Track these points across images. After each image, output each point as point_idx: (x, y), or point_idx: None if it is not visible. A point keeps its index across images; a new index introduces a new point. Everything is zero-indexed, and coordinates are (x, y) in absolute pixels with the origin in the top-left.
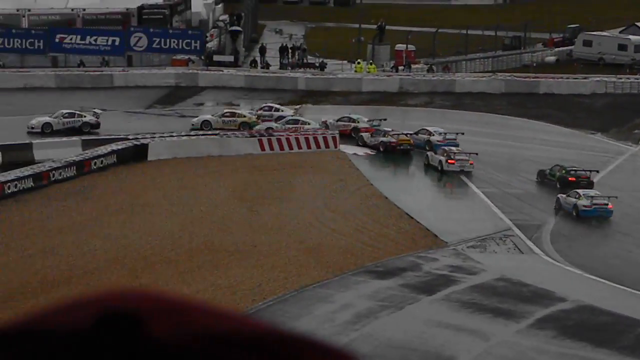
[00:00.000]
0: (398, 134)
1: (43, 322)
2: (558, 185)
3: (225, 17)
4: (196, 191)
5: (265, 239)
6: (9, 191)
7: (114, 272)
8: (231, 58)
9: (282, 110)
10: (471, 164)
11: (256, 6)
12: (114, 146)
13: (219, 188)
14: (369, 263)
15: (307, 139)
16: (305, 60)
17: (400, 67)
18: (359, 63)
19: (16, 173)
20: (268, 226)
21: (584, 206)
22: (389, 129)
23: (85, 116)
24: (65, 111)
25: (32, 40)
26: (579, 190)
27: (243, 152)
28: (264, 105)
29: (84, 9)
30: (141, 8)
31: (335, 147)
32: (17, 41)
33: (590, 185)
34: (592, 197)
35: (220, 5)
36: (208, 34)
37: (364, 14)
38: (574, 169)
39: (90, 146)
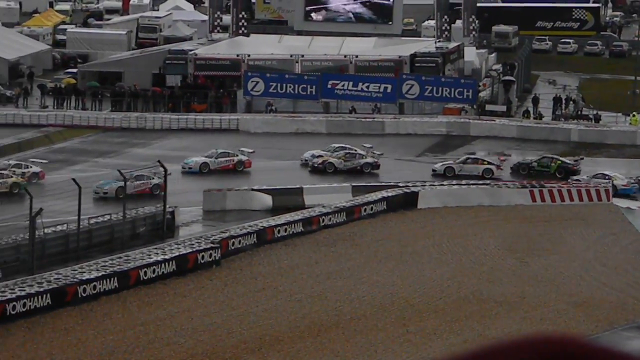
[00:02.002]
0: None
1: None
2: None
3: (499, 66)
4: (466, 240)
5: (533, 291)
6: (279, 235)
7: (381, 319)
8: (504, 108)
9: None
10: None
11: (529, 56)
12: (384, 193)
13: (489, 238)
14: None
15: (579, 191)
16: (580, 112)
17: None
18: (634, 115)
19: (286, 217)
20: (537, 278)
21: None
22: None
23: (365, 157)
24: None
25: (305, 85)
26: None
27: (514, 202)
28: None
29: (357, 56)
30: (414, 56)
31: (608, 200)
32: (290, 86)
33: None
34: None
35: (493, 55)
36: (480, 83)
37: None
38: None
39: (361, 193)
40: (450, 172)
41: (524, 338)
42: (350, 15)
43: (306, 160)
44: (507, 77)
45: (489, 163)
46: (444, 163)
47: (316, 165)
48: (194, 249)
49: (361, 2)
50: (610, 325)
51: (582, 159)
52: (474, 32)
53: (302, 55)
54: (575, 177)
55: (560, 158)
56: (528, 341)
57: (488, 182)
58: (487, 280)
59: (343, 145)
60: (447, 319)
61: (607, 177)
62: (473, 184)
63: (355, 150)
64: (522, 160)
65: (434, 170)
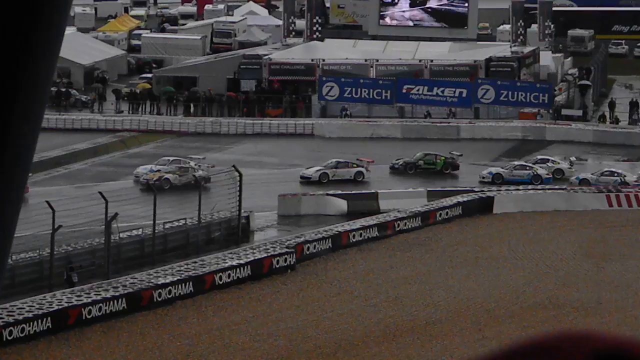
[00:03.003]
0: None
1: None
2: (445, 171)
3: (574, 70)
4: (542, 245)
5: (610, 296)
6: (354, 240)
7: (456, 324)
8: (580, 112)
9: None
10: None
11: (606, 60)
12: (459, 198)
13: (565, 243)
14: None
15: None
16: None
17: None
18: None
19: (361, 222)
20: (614, 283)
21: None
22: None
23: (197, 170)
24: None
25: (380, 90)
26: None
27: (590, 207)
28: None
29: (432, 60)
30: (489, 60)
31: None
32: (365, 91)
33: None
34: None
35: (569, 59)
36: (556, 88)
37: None
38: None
39: (436, 197)
40: (324, 178)
41: (565, 335)
42: (425, 23)
43: (138, 177)
44: (583, 82)
45: (359, 165)
46: (318, 169)
47: (151, 183)
48: (269, 254)
49: (435, 9)
50: None
51: (460, 155)
52: (549, 37)
53: (377, 60)
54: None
55: (442, 154)
56: (570, 339)
57: (564, 187)
58: (564, 285)
59: (177, 157)
60: (523, 324)
61: (615, 174)
62: (549, 189)
63: (188, 163)
64: (408, 159)
65: (304, 177)
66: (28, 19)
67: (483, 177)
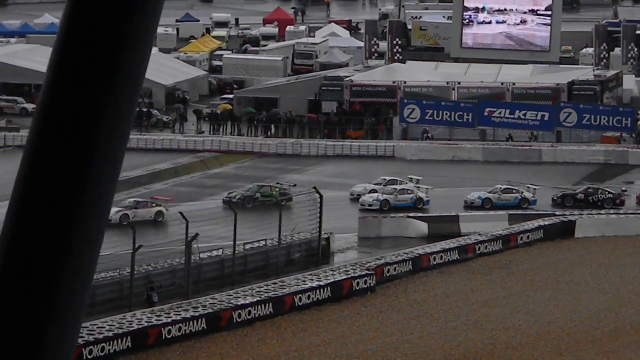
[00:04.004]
0: None
1: None
2: (282, 202)
3: None
4: (624, 270)
5: None
6: (434, 262)
7: (537, 348)
8: None
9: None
10: None
11: None
12: (541, 222)
13: None
14: None
15: None
16: None
17: None
18: None
19: (442, 245)
20: None
21: None
22: None
23: (610, 193)
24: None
25: (461, 112)
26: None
27: None
28: None
29: (514, 83)
30: (572, 83)
31: None
32: (447, 113)
33: None
34: None
35: None
36: (639, 111)
37: None
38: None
39: (517, 221)
40: (125, 220)
41: None
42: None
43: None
44: None
45: (157, 205)
46: (118, 210)
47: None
48: (349, 276)
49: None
50: None
51: (294, 185)
52: (632, 60)
53: (459, 82)
54: None
55: (276, 186)
56: None
57: None
58: None
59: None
60: (604, 349)
61: (514, 191)
62: (631, 214)
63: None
64: (245, 192)
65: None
66: (117, 40)
67: (472, 202)
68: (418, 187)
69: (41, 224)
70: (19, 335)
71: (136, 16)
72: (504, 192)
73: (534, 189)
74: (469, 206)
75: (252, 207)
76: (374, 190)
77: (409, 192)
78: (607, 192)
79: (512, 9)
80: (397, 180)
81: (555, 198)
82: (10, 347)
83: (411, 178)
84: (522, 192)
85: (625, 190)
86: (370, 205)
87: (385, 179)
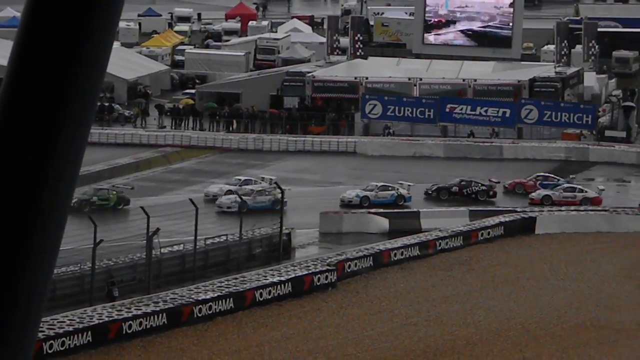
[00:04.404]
0: None
1: None
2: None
3: (619, 92)
4: (584, 267)
5: None
6: (395, 258)
7: (497, 344)
8: (623, 134)
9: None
10: None
11: None
12: (501, 218)
13: (607, 265)
14: None
15: None
16: None
17: None
18: None
19: (403, 241)
20: None
21: None
22: None
23: (483, 185)
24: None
25: (423, 109)
26: None
27: (632, 229)
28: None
29: (475, 80)
30: (533, 80)
31: None
32: (408, 110)
33: None
34: None
35: (613, 80)
36: (600, 109)
37: None
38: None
39: (477, 217)
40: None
41: None
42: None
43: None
44: (627, 103)
45: (120, 192)
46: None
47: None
48: (310, 271)
49: (478, 32)
50: None
51: (132, 188)
52: (593, 57)
53: (421, 79)
54: None
55: (114, 190)
56: None
57: (607, 208)
58: (605, 307)
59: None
60: (564, 345)
61: (390, 188)
62: (592, 210)
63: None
64: (82, 196)
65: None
66: (78, 34)
67: (350, 200)
68: (275, 187)
69: (1, 219)
70: None
71: (98, 10)
72: (381, 190)
73: (409, 185)
74: (346, 204)
75: (88, 210)
76: (229, 191)
77: (267, 192)
78: (480, 185)
79: (473, 5)
80: (252, 180)
81: (430, 192)
82: None
83: (263, 178)
84: (398, 189)
85: (498, 182)
86: (229, 207)
87: (240, 179)
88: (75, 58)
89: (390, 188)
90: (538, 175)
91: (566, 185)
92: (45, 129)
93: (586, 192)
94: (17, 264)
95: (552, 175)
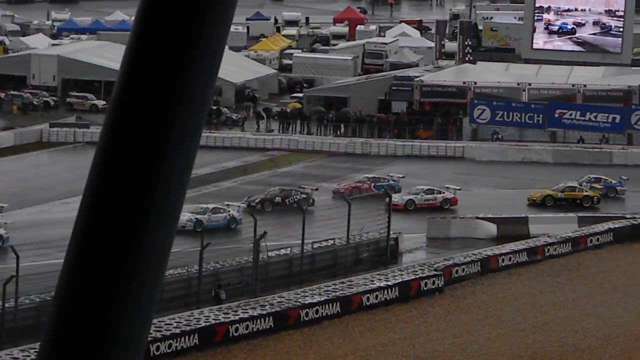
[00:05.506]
0: None
1: None
2: None
3: None
4: None
5: None
6: (503, 264)
7: (605, 352)
8: None
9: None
10: None
11: None
12: (611, 224)
13: None
14: None
15: None
16: None
17: None
18: None
19: (511, 246)
20: None
21: None
22: None
23: (303, 194)
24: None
25: (532, 114)
26: None
27: None
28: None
29: (585, 85)
30: None
31: None
32: (517, 115)
33: None
34: None
35: None
36: None
37: None
38: None
39: (587, 223)
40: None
41: None
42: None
43: None
44: None
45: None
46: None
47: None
48: (417, 276)
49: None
50: None
51: (316, 189)
52: None
53: (529, 84)
54: None
55: None
56: None
57: None
58: None
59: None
60: None
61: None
62: None
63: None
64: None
65: None
66: (191, 37)
67: (182, 227)
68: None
69: (113, 220)
70: (89, 331)
71: (211, 13)
72: (213, 212)
73: (239, 206)
74: (178, 230)
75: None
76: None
77: (222, 211)
78: (299, 193)
79: (584, 10)
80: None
81: (254, 204)
82: (82, 343)
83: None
84: (230, 212)
85: (316, 189)
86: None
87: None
88: (188, 60)
89: (222, 210)
90: (368, 177)
91: (426, 187)
92: (157, 131)
93: (444, 193)
94: (128, 265)
95: (382, 177)
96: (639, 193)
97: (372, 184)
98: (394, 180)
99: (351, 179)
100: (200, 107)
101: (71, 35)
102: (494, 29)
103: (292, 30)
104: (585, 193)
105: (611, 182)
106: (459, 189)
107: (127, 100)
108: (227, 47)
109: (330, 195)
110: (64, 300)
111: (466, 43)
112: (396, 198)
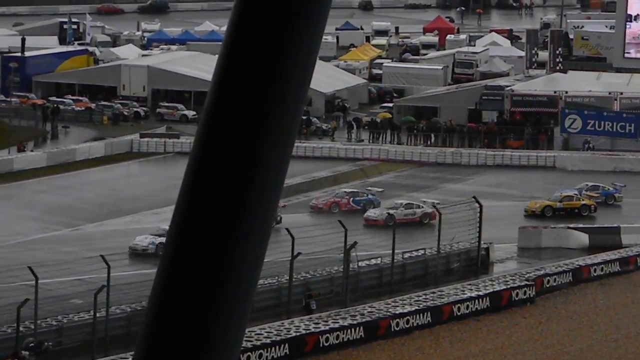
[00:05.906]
0: None
1: None
2: None
3: None
4: None
5: None
6: (595, 274)
7: None
8: None
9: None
10: None
11: None
12: None
13: None
14: None
15: None
16: None
17: None
18: None
19: (603, 256)
20: None
21: None
22: None
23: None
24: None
25: (624, 123)
26: None
27: None
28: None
29: None
30: None
31: None
32: (608, 124)
33: None
34: None
35: None
36: None
37: None
38: None
39: None
40: None
41: None
42: None
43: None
44: None
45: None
46: None
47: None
48: (508, 286)
49: None
50: None
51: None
52: None
53: (621, 93)
54: None
55: None
56: None
57: None
58: None
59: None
60: None
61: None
62: None
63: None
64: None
65: None
66: (284, 47)
67: (144, 249)
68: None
69: (207, 229)
70: (183, 340)
71: (303, 23)
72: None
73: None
74: (139, 253)
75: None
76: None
77: None
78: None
79: None
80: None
81: None
82: (175, 353)
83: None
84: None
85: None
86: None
87: None
88: (280, 71)
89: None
90: (346, 192)
91: (405, 202)
92: (249, 141)
93: (423, 207)
94: (222, 273)
95: (361, 191)
96: None
97: (351, 199)
98: (373, 195)
99: (330, 193)
100: (292, 118)
101: (161, 46)
102: (585, 37)
103: (381, 40)
104: (583, 202)
105: (609, 189)
106: (438, 203)
107: (220, 111)
108: None
109: (308, 210)
110: (157, 310)
111: (557, 52)
112: (375, 213)
